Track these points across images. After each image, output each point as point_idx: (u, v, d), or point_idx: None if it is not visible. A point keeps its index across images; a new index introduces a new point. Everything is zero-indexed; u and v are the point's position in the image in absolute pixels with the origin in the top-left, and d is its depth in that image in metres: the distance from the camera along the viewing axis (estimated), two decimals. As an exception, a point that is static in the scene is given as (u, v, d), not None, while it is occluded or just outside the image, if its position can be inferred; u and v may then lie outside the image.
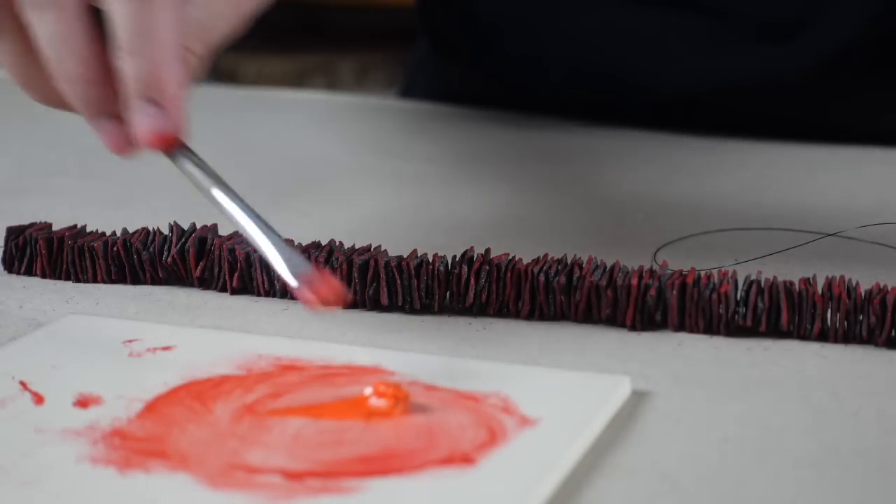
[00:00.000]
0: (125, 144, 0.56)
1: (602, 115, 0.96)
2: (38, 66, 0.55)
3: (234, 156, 0.89)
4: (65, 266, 0.66)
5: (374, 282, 0.62)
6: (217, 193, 0.55)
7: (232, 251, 0.64)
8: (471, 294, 0.61)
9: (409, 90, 1.11)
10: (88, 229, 0.68)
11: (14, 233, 0.67)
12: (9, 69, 0.57)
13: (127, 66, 0.53)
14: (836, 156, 0.89)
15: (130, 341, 0.57)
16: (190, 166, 0.56)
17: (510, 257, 0.62)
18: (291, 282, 0.53)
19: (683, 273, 0.60)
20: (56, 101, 0.56)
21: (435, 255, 0.62)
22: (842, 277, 0.59)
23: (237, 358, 0.56)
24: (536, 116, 0.97)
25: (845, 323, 0.58)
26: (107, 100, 0.55)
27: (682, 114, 0.93)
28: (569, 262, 0.61)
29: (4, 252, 0.67)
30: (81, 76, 0.54)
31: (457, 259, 0.62)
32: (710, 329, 0.59)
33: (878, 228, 0.70)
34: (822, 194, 0.81)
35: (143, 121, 0.54)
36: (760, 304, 0.58)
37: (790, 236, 0.70)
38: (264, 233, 0.54)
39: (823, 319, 0.58)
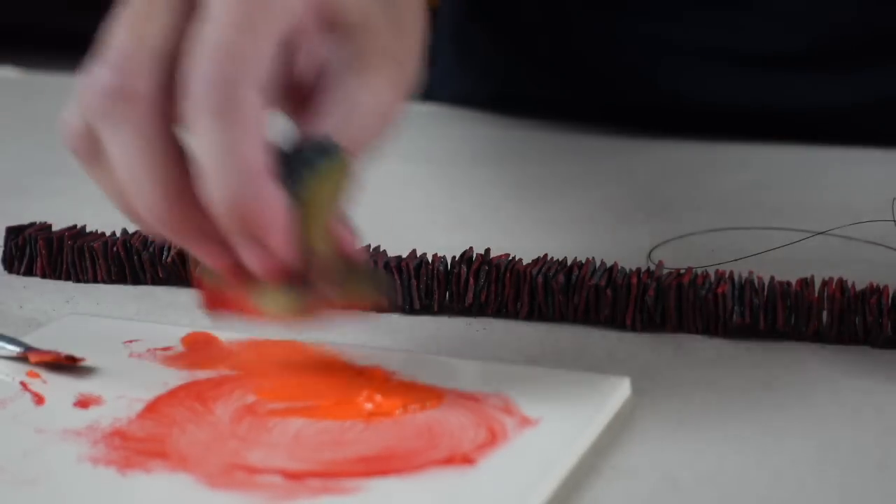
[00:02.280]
0: (238, 276, 0.50)
1: (603, 115, 0.96)
2: (116, 190, 0.50)
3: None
4: (65, 266, 0.66)
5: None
6: None
7: (232, 251, 0.64)
8: (470, 294, 0.61)
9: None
10: (88, 229, 0.68)
11: (14, 233, 0.67)
12: (109, 194, 0.51)
13: (217, 203, 0.48)
14: (836, 156, 0.89)
15: (131, 341, 0.57)
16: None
17: (510, 257, 0.62)
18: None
19: (681, 273, 0.60)
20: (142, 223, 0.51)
21: (435, 255, 0.62)
22: (839, 279, 0.59)
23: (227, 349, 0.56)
24: (536, 117, 0.97)
25: (841, 323, 0.58)
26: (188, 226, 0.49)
27: (690, 119, 0.93)
28: (568, 262, 0.62)
29: (4, 252, 0.67)
30: (162, 206, 0.49)
31: (456, 259, 0.62)
32: (709, 329, 0.59)
33: (878, 229, 0.70)
34: (822, 194, 0.81)
35: (247, 254, 0.49)
36: (756, 303, 0.58)
37: (790, 236, 0.70)
38: None
39: (820, 319, 0.58)
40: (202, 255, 0.50)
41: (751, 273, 0.60)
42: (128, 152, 0.49)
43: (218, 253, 0.50)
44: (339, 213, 0.50)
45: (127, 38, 0.49)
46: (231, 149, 0.47)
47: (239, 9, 0.47)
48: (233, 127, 0.47)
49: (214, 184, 0.47)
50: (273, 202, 0.48)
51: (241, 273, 0.50)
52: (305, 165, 0.49)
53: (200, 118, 0.47)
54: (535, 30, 0.98)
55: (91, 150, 0.50)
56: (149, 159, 0.48)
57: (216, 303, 0.53)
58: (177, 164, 0.49)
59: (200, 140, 0.47)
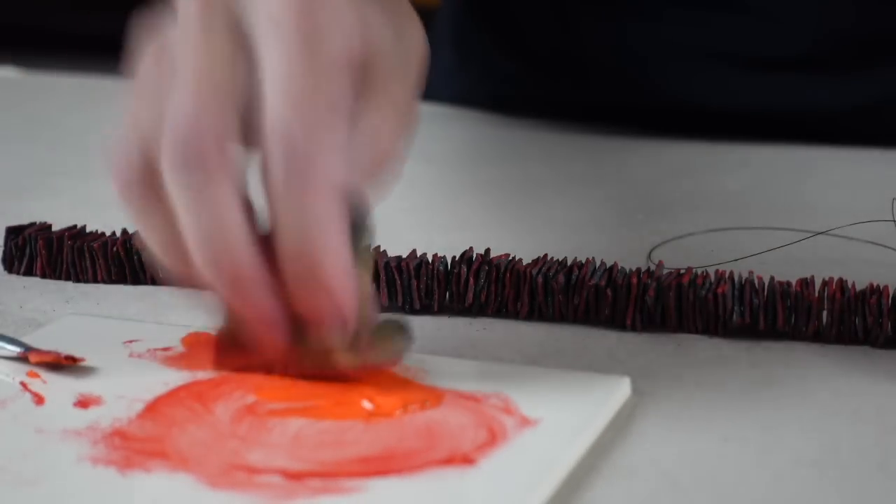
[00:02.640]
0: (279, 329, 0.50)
1: (603, 115, 0.96)
2: (169, 240, 0.50)
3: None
4: (65, 266, 0.66)
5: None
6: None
7: (232, 251, 0.64)
8: (470, 294, 0.61)
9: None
10: (88, 230, 0.68)
11: (14, 233, 0.67)
12: (153, 248, 0.51)
13: (291, 265, 0.48)
14: (836, 156, 0.89)
15: (131, 341, 0.57)
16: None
17: (510, 257, 0.62)
18: None
19: (681, 273, 0.60)
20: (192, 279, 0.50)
21: (435, 256, 0.62)
22: (839, 279, 0.59)
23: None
24: (536, 117, 0.98)
25: (840, 323, 0.58)
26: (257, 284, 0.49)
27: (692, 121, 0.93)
28: (568, 262, 0.62)
29: (4, 252, 0.67)
30: (232, 264, 0.48)
31: (456, 259, 0.62)
32: (708, 329, 0.59)
33: (878, 229, 0.70)
34: (822, 194, 0.81)
35: (313, 313, 0.49)
36: (756, 303, 0.58)
37: (790, 236, 0.70)
38: None
39: (820, 320, 0.58)
40: (252, 306, 0.50)
41: (751, 273, 0.60)
42: (209, 206, 0.48)
43: (268, 306, 0.50)
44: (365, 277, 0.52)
45: (200, 89, 0.48)
46: (308, 204, 0.47)
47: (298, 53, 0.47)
48: (309, 183, 0.47)
49: (291, 236, 0.48)
50: (346, 255, 0.48)
51: (279, 327, 0.50)
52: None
53: (280, 176, 0.47)
54: (535, 30, 0.98)
55: (145, 196, 0.50)
56: (230, 213, 0.48)
57: (228, 359, 0.54)
58: (250, 218, 0.49)
59: (279, 194, 0.47)
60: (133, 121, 0.50)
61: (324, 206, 0.47)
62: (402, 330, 0.53)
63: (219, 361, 0.54)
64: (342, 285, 0.49)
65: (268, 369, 0.53)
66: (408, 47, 0.53)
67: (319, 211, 0.47)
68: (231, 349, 0.53)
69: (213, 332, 0.54)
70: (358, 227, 0.50)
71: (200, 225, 0.48)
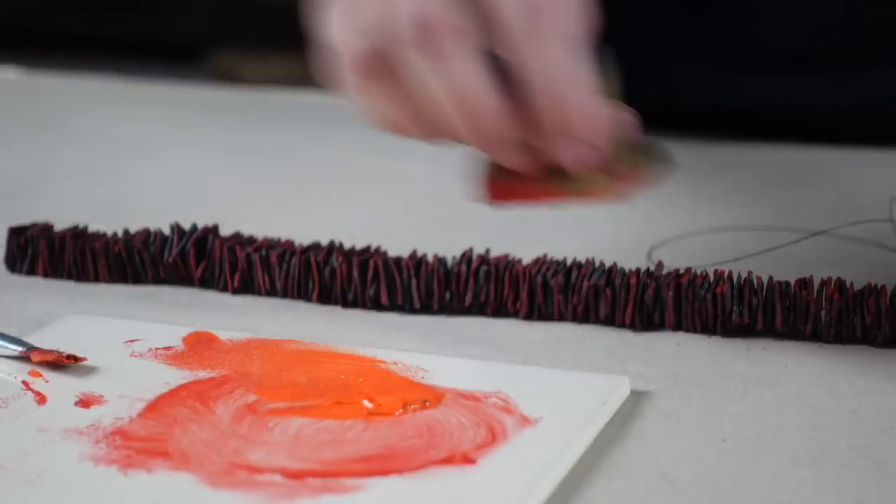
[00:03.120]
0: (533, 171, 0.55)
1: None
2: (415, 110, 0.55)
3: (236, 156, 0.89)
4: (67, 266, 0.66)
5: (374, 282, 0.62)
6: None
7: (232, 251, 0.64)
8: (470, 294, 0.61)
9: None
10: (90, 230, 0.68)
11: (16, 233, 0.67)
12: (380, 116, 0.56)
13: (545, 109, 0.54)
14: (836, 156, 0.89)
15: (132, 341, 0.58)
16: None
17: (509, 257, 0.62)
18: None
19: (680, 273, 0.60)
20: (439, 137, 0.56)
21: (434, 256, 0.62)
22: (838, 279, 0.59)
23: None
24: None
25: (839, 323, 0.58)
26: (510, 135, 0.55)
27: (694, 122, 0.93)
28: (567, 263, 0.62)
29: (7, 252, 0.67)
30: (487, 121, 0.54)
31: (456, 259, 0.62)
32: (707, 329, 0.59)
33: (878, 229, 0.70)
34: (821, 194, 0.81)
35: (567, 151, 0.54)
36: (755, 303, 0.58)
37: (789, 236, 0.70)
38: None
39: (818, 319, 0.58)
40: (510, 158, 0.55)
41: (750, 273, 0.60)
42: (453, 76, 0.53)
43: (526, 155, 0.55)
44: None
45: None
46: (558, 63, 0.53)
47: None
48: (551, 43, 0.53)
49: (547, 93, 0.53)
50: (596, 104, 0.54)
51: (541, 168, 0.55)
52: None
53: (525, 40, 0.53)
54: None
55: (380, 73, 0.54)
56: (478, 76, 0.53)
57: (501, 194, 0.57)
58: (496, 84, 0.54)
59: (529, 59, 0.53)
60: (359, 15, 0.55)
61: (564, 48, 0.53)
62: (659, 152, 0.56)
63: (491, 193, 0.57)
64: (592, 118, 0.54)
65: (535, 196, 0.56)
66: None
67: (561, 53, 0.53)
68: (498, 181, 0.56)
69: (480, 170, 0.57)
70: (599, 62, 0.54)
71: (452, 90, 0.53)
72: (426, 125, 0.56)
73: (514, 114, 0.54)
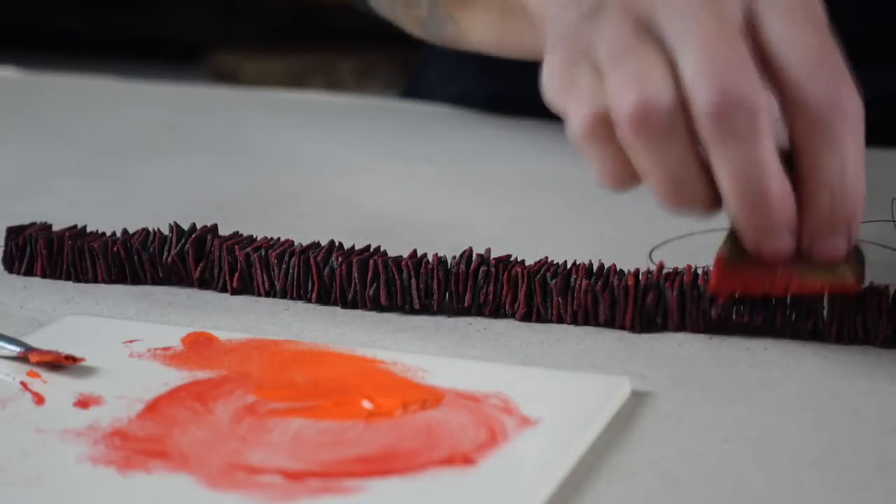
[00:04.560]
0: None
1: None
2: (669, 178, 0.55)
3: (235, 156, 0.89)
4: (65, 266, 0.66)
5: (374, 282, 0.62)
6: None
7: (232, 251, 0.64)
8: (469, 294, 0.61)
9: (413, 91, 1.11)
10: (88, 230, 0.68)
11: (14, 233, 0.67)
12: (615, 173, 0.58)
13: (828, 205, 0.55)
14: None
15: (131, 341, 0.57)
16: None
17: (509, 258, 0.62)
18: None
19: (679, 272, 0.60)
20: (686, 206, 0.56)
21: (434, 255, 0.62)
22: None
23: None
24: (536, 118, 0.97)
25: (840, 323, 0.58)
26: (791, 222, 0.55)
27: None
28: (568, 263, 0.62)
29: (5, 252, 0.67)
30: (773, 205, 0.53)
31: (456, 259, 0.62)
32: (708, 329, 0.59)
33: (878, 229, 0.70)
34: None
35: (830, 246, 0.55)
36: (755, 303, 0.58)
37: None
38: None
39: (819, 319, 0.58)
40: (779, 245, 0.54)
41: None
42: (754, 154, 0.52)
43: (788, 243, 0.55)
44: None
45: (726, 51, 0.52)
46: (855, 163, 0.55)
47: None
48: (851, 141, 0.55)
49: (837, 190, 0.54)
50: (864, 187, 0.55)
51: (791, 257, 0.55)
52: None
53: (825, 134, 0.54)
54: None
55: (610, 138, 0.55)
56: (773, 162, 0.53)
57: (738, 283, 0.57)
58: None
59: (824, 152, 0.54)
60: (579, 85, 0.54)
61: (859, 149, 0.55)
62: (861, 253, 0.58)
63: (720, 283, 0.57)
64: (859, 213, 0.55)
65: (769, 288, 0.57)
66: None
67: (858, 153, 0.55)
68: (734, 271, 0.56)
69: (717, 255, 0.57)
70: None
71: (742, 171, 0.52)
72: (678, 194, 0.55)
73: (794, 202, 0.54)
